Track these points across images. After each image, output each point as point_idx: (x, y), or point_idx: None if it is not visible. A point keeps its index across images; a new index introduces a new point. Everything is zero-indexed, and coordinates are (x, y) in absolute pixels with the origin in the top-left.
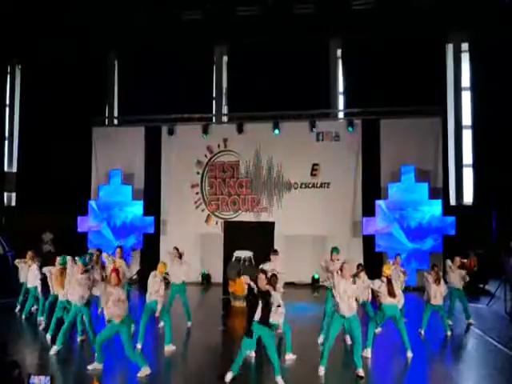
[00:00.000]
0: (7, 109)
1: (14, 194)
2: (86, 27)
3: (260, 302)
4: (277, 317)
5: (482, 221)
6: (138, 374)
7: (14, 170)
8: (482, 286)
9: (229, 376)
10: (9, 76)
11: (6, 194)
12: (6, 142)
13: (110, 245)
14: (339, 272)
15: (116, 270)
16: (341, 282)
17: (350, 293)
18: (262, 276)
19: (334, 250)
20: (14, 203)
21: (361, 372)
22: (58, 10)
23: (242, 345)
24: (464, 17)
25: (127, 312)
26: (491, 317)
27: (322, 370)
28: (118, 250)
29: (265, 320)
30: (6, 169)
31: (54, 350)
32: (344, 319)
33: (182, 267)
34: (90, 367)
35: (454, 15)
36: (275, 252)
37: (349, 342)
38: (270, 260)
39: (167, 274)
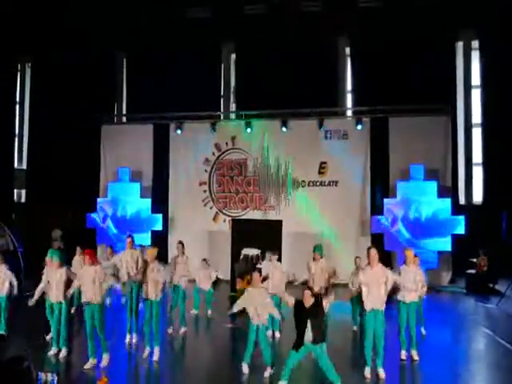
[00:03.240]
0: (17, 107)
1: (23, 191)
2: (95, 26)
3: (309, 320)
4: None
5: (491, 220)
6: (86, 366)
7: (24, 167)
8: (491, 285)
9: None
10: (19, 74)
11: (16, 190)
12: (16, 140)
13: (118, 241)
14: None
15: (89, 250)
16: (367, 270)
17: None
18: (307, 292)
19: (317, 248)
20: (23, 200)
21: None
22: (67, 9)
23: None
24: (474, 14)
25: (102, 293)
26: (501, 317)
27: (381, 372)
28: (129, 239)
29: (317, 338)
30: (16, 166)
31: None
32: (372, 313)
33: (186, 265)
34: (86, 366)
35: (464, 13)
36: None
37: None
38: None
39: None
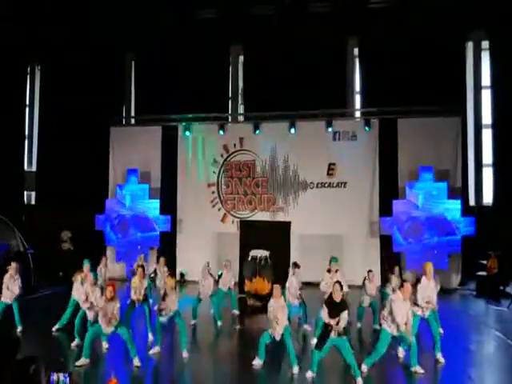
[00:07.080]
0: (27, 109)
1: (33, 193)
2: (104, 28)
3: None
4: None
5: (502, 221)
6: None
7: (34, 169)
8: (502, 287)
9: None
10: (29, 77)
11: (25, 192)
12: (26, 142)
13: (127, 243)
14: (398, 292)
15: (112, 285)
16: (401, 303)
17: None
18: (337, 286)
19: (333, 259)
20: (33, 202)
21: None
22: (76, 12)
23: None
24: (484, 15)
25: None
26: None
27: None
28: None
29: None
30: (25, 168)
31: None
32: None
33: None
34: (78, 363)
35: (474, 13)
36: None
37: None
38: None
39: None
